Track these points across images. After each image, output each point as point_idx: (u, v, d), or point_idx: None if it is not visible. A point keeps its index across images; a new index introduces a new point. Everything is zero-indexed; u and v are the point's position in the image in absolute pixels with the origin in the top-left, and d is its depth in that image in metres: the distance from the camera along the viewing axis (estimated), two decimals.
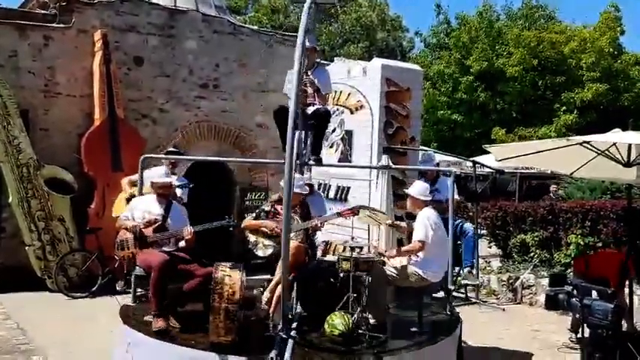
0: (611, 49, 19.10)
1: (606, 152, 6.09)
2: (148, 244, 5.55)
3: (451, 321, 5.84)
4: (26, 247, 9.32)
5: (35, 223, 9.37)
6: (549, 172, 13.39)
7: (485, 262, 10.78)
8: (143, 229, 5.56)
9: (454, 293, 9.40)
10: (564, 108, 18.42)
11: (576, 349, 6.16)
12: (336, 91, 10.84)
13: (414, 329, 5.42)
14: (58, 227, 9.52)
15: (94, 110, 10.12)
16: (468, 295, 9.59)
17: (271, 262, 5.73)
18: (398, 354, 4.87)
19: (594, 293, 2.98)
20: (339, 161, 10.35)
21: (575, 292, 3.08)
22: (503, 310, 9.09)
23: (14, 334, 6.95)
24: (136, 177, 6.60)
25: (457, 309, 6.90)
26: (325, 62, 14.38)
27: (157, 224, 5.64)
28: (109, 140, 10.00)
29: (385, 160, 9.53)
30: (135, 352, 5.06)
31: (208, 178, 10.05)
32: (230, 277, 4.71)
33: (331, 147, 10.40)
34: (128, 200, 6.66)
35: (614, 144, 5.99)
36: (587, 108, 18.33)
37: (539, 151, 6.31)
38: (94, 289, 9.03)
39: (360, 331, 5.04)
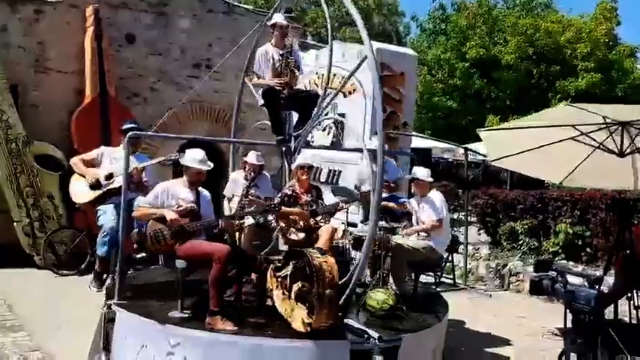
0: (606, 40, 19.08)
1: (603, 145, 6.04)
2: (187, 236, 4.94)
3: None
4: (14, 223, 9.28)
5: (24, 200, 9.33)
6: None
7: (474, 248, 10.83)
8: (179, 219, 4.96)
9: (442, 278, 9.49)
10: (559, 96, 18.42)
11: (560, 335, 6.20)
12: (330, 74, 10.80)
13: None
14: (47, 204, 9.47)
15: (84, 87, 10.05)
16: (456, 281, 9.66)
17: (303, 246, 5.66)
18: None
19: (578, 279, 3.00)
20: (332, 144, 10.34)
21: (559, 277, 3.09)
22: (490, 296, 9.15)
23: (1, 311, 6.91)
24: (90, 156, 6.19)
25: (445, 294, 6.97)
26: (317, 44, 14.32)
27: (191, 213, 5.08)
28: (100, 118, 9.93)
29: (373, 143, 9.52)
30: (191, 353, 4.40)
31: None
32: (326, 262, 4.46)
33: (323, 130, 10.37)
34: (95, 186, 5.92)
35: (612, 134, 5.91)
36: (581, 97, 18.34)
37: (532, 149, 6.21)
38: (82, 266, 8.99)
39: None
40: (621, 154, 6.03)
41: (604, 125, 5.84)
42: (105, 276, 5.92)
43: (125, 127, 6.15)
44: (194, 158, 5.18)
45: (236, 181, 7.00)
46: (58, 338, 5.92)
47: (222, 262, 4.62)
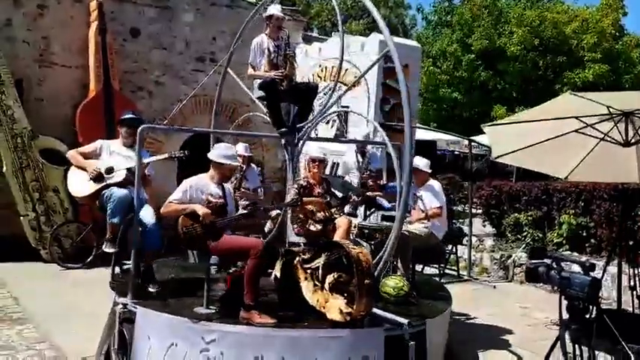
0: (612, 31, 18.96)
1: (608, 136, 6.01)
2: (219, 232, 4.87)
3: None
4: (21, 218, 9.35)
5: (30, 194, 9.39)
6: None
7: (479, 240, 10.83)
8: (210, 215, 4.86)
9: (446, 270, 9.51)
10: (565, 88, 18.32)
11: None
12: (334, 67, 10.80)
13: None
14: (53, 198, 9.53)
15: (89, 81, 10.09)
16: (460, 272, 9.67)
17: (320, 237, 5.73)
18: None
19: (573, 266, 3.01)
20: (336, 136, 10.35)
21: (554, 264, 3.10)
22: (494, 287, 9.15)
23: (7, 304, 6.98)
24: (87, 149, 5.86)
25: (449, 285, 7.00)
26: (320, 37, 14.29)
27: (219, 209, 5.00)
28: (104, 112, 9.95)
29: (379, 137, 9.52)
30: (229, 348, 4.31)
31: (203, 153, 10.04)
32: (362, 253, 4.51)
33: (327, 123, 10.38)
34: (97, 179, 5.60)
35: (616, 125, 5.88)
36: (588, 89, 18.25)
37: (535, 144, 6.18)
38: (88, 260, 9.07)
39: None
40: (627, 143, 6.01)
41: (608, 116, 5.83)
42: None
43: (125, 117, 5.93)
44: (225, 154, 5.09)
45: None
46: (64, 330, 5.96)
47: (259, 257, 4.58)
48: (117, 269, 6.03)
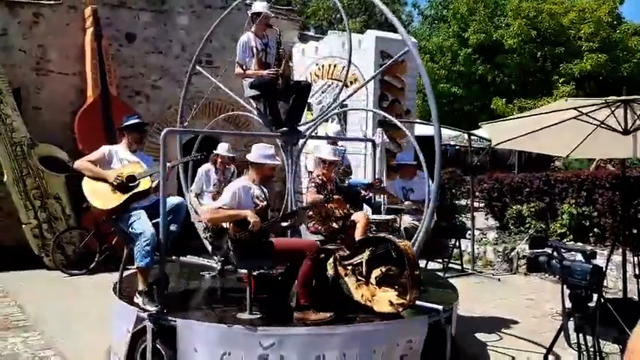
0: (610, 19, 18.87)
1: (605, 123, 6.01)
2: (266, 236, 4.82)
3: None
4: (23, 226, 9.36)
5: (31, 202, 9.39)
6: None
7: (482, 233, 10.80)
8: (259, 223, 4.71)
9: (450, 264, 9.49)
10: (563, 79, 18.27)
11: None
12: (330, 65, 10.80)
13: None
14: (54, 205, 9.54)
15: (86, 87, 10.10)
16: (464, 266, 9.65)
17: (340, 233, 5.79)
18: None
19: (574, 255, 3.00)
20: (335, 134, 10.33)
21: (555, 253, 3.08)
22: (499, 280, 9.13)
23: (12, 311, 6.99)
24: (96, 156, 5.29)
25: (453, 279, 6.99)
26: (316, 35, 14.26)
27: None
28: (103, 117, 9.98)
29: (379, 133, 9.52)
30: (290, 350, 4.27)
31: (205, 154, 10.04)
32: (408, 245, 4.69)
33: (326, 120, 10.35)
34: (123, 188, 5.07)
35: (613, 113, 5.89)
36: (586, 79, 18.19)
37: (535, 130, 6.20)
38: (91, 266, 9.08)
39: None
40: (626, 131, 5.99)
41: (605, 104, 5.81)
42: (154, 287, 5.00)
43: (131, 121, 5.48)
44: (265, 154, 4.99)
45: (208, 176, 6.87)
46: (69, 337, 5.96)
47: (313, 258, 4.57)
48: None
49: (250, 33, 6.13)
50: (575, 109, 5.96)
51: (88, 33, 10.13)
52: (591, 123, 6.05)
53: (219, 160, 6.83)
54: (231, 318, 4.53)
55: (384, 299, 4.58)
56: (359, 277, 4.82)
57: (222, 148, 7.04)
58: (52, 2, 10.07)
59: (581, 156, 7.63)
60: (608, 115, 5.94)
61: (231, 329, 4.31)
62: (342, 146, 8.38)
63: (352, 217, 5.85)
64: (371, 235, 5.30)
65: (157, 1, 10.95)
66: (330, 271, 5.15)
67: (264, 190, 5.08)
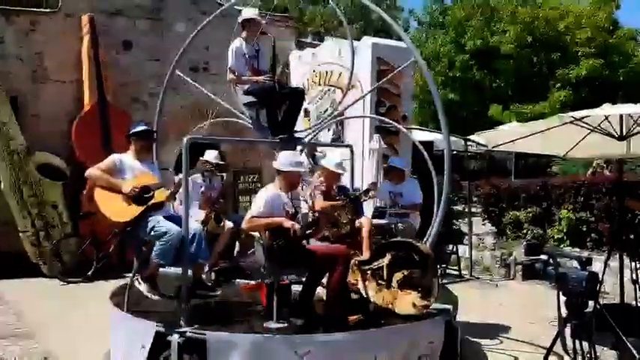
0: (606, 25, 18.95)
1: (599, 127, 6.05)
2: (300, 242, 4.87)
3: None
4: (20, 234, 9.34)
5: (28, 210, 9.38)
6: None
7: (479, 239, 10.81)
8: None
9: (447, 270, 9.50)
10: (559, 85, 18.33)
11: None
12: (327, 71, 10.81)
13: None
14: (52, 213, 9.53)
15: (83, 95, 10.11)
16: (462, 272, 9.66)
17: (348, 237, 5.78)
18: None
19: (570, 261, 3.01)
20: (332, 141, 10.34)
21: (550, 260, 3.09)
22: (497, 285, 9.14)
23: (10, 320, 6.97)
24: (106, 165, 5.08)
25: (451, 285, 6.99)
26: (313, 42, 14.30)
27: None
28: (100, 125, 9.99)
29: (376, 139, 9.53)
30: (326, 357, 4.32)
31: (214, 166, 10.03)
32: (427, 248, 4.89)
33: (328, 130, 10.37)
34: (140, 200, 4.89)
35: (607, 118, 5.94)
36: (583, 84, 18.26)
37: (531, 134, 6.25)
38: (89, 273, 9.07)
39: None
40: (621, 137, 6.04)
41: (604, 118, 5.89)
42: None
43: (138, 129, 5.27)
44: (292, 162, 4.98)
45: (193, 183, 6.80)
46: (67, 345, 5.93)
47: (344, 263, 4.68)
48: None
49: (241, 39, 6.09)
50: (572, 122, 6.01)
51: (84, 41, 10.14)
52: (586, 127, 6.10)
53: (208, 167, 6.68)
54: (259, 328, 4.52)
55: (407, 301, 4.75)
56: (379, 281, 4.98)
57: (211, 155, 6.96)
58: (48, 10, 10.09)
59: (578, 156, 7.68)
60: (603, 120, 5.99)
61: (267, 339, 4.30)
62: (321, 152, 8.37)
63: (357, 222, 5.86)
64: (392, 240, 5.41)
65: (153, 9, 10.99)
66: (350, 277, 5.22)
67: (291, 198, 5.04)
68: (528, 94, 19.04)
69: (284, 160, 4.98)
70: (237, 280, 6.06)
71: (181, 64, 11.07)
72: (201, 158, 6.80)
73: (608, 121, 5.99)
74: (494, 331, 6.64)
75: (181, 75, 6.98)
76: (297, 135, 6.33)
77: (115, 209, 4.91)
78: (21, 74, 9.91)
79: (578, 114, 5.85)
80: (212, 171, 6.76)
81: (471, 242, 10.07)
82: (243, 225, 4.90)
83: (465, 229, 10.70)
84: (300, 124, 7.24)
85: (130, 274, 5.08)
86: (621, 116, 5.95)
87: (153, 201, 4.97)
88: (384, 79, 7.78)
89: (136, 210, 4.89)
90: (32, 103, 9.98)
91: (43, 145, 9.72)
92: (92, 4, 10.34)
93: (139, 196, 4.91)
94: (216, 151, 7.20)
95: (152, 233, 4.83)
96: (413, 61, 5.91)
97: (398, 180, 6.98)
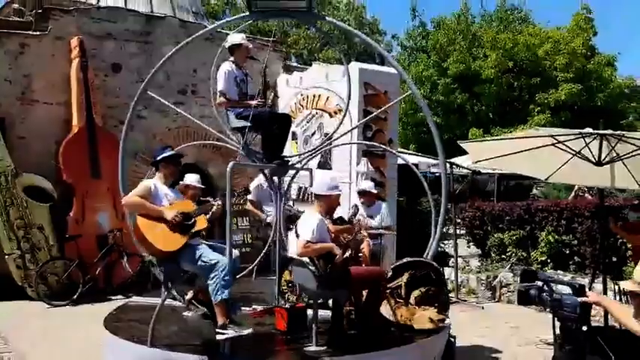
0: (584, 51, 19.41)
1: (581, 153, 6.23)
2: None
3: None
4: (6, 256, 9.25)
5: (14, 232, 9.31)
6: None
7: (464, 261, 10.93)
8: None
9: None
10: (539, 109, 18.68)
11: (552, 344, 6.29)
12: (315, 95, 10.96)
13: None
14: (38, 235, 9.46)
15: (71, 117, 10.11)
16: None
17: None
18: None
19: (564, 288, 3.11)
20: (319, 165, 10.44)
21: (545, 287, 3.20)
22: (482, 308, 9.23)
23: None
24: (142, 192, 4.95)
25: None
26: (299, 66, 14.47)
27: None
28: (88, 147, 9.99)
29: (364, 163, 9.66)
30: None
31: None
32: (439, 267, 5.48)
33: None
34: (183, 228, 4.81)
35: (587, 145, 6.12)
36: (562, 108, 18.63)
37: (515, 152, 6.42)
38: (75, 296, 9.00)
39: None
40: (599, 163, 6.20)
41: (580, 136, 6.04)
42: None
43: (167, 154, 5.20)
44: (330, 186, 5.16)
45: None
46: None
47: (383, 283, 5.14)
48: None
49: (230, 62, 6.10)
50: (551, 136, 6.20)
51: (73, 63, 10.18)
52: (567, 151, 6.28)
53: (189, 191, 6.67)
54: (300, 353, 4.66)
55: (425, 317, 5.10)
56: (397, 299, 5.29)
57: (193, 179, 6.96)
58: (38, 33, 10.13)
59: (558, 181, 7.89)
60: (583, 147, 6.17)
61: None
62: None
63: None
64: (410, 260, 5.61)
65: (142, 32, 11.07)
66: None
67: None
68: (509, 118, 19.38)
69: (322, 184, 5.14)
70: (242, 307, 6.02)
71: (169, 87, 11.28)
72: (180, 182, 6.73)
73: (588, 148, 6.17)
74: (483, 353, 6.73)
75: (156, 96, 6.94)
76: (288, 159, 6.45)
77: (160, 237, 4.76)
78: (9, 96, 9.90)
79: (555, 131, 6.04)
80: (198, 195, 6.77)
81: (456, 264, 10.18)
82: (299, 250, 4.85)
83: (450, 251, 10.81)
84: (288, 147, 7.33)
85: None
86: (600, 142, 6.12)
87: (196, 228, 4.87)
88: (379, 110, 7.94)
89: (182, 238, 4.77)
90: (20, 125, 9.96)
91: (31, 167, 9.68)
92: (81, 28, 10.40)
93: (183, 224, 4.80)
94: (197, 175, 7.22)
95: (199, 264, 4.70)
96: (398, 84, 6.14)
97: (368, 201, 7.29)
